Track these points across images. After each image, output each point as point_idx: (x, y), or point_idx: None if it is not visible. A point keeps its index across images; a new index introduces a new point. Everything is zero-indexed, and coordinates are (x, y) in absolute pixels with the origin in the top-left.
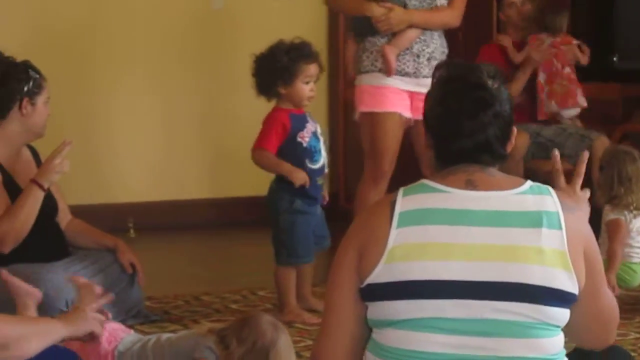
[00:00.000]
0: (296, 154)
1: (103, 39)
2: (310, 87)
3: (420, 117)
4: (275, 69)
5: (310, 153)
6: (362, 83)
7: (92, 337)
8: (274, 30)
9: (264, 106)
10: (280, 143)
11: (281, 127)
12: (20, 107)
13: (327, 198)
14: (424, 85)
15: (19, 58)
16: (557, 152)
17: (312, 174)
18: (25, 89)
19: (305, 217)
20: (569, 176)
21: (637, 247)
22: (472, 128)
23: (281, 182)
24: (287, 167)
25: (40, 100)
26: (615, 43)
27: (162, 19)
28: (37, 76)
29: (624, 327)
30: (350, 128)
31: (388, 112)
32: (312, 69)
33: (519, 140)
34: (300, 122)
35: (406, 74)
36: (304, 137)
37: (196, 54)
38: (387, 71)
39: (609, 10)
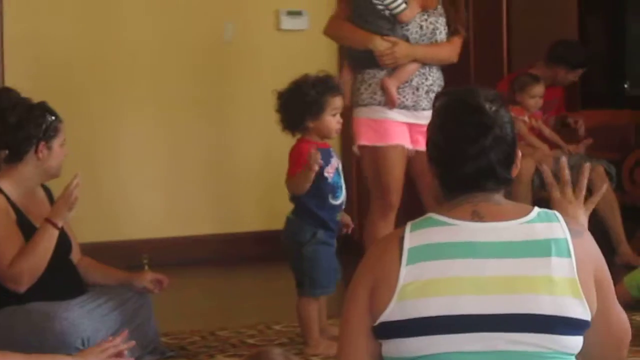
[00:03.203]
0: (321, 189)
1: (112, 74)
2: (337, 119)
3: (419, 148)
4: (303, 103)
5: (334, 189)
6: (360, 116)
7: None
8: (284, 63)
9: (273, 140)
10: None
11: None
12: (36, 151)
13: (351, 225)
14: (422, 118)
15: (27, 94)
16: (546, 168)
17: (333, 209)
18: (42, 132)
19: (327, 248)
20: None
21: None
22: (473, 153)
23: (300, 213)
24: (307, 168)
25: (56, 143)
26: (626, 70)
27: (170, 53)
28: (54, 119)
29: (637, 354)
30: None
31: (391, 145)
32: (338, 101)
33: (524, 164)
34: (326, 157)
35: (405, 107)
36: (330, 173)
37: (205, 88)
38: (390, 104)
39: (620, 38)
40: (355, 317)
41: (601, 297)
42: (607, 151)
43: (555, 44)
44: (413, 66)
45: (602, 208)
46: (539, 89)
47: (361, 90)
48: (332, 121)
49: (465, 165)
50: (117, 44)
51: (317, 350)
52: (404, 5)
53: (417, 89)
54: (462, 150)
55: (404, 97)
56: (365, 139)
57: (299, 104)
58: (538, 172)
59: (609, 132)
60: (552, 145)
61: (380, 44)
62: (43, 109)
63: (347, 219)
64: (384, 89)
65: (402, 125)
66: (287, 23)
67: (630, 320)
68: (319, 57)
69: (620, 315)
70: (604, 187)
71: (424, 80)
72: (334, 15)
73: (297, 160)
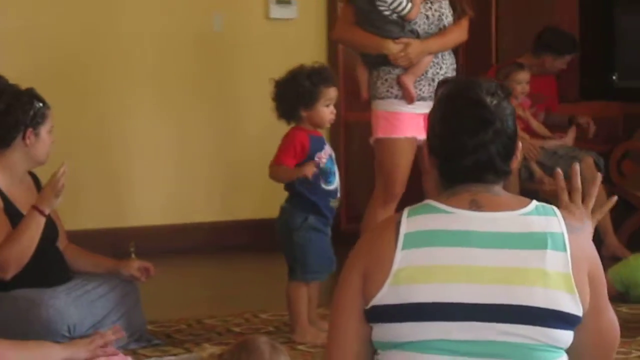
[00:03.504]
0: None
1: (105, 66)
2: (330, 109)
3: None
4: (297, 93)
5: (326, 174)
6: (378, 108)
7: None
8: (274, 52)
9: (265, 129)
10: (298, 162)
11: (300, 146)
12: (24, 137)
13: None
14: None
15: (29, 84)
16: (560, 170)
17: (325, 195)
18: (29, 119)
19: (318, 235)
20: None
21: None
22: (473, 146)
23: (294, 200)
24: (295, 171)
25: (44, 129)
26: (615, 62)
27: (168, 43)
28: (41, 105)
29: (627, 345)
30: (351, 151)
31: (403, 137)
32: (332, 92)
33: None
34: (318, 144)
35: (422, 99)
36: (322, 158)
37: (196, 79)
38: (408, 100)
39: (609, 30)
40: (348, 299)
41: (594, 296)
42: (595, 143)
43: (541, 31)
44: (427, 59)
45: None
46: (523, 75)
47: (378, 84)
48: (326, 111)
49: (465, 158)
50: (111, 36)
51: (304, 338)
52: (409, 5)
53: (433, 80)
54: (461, 143)
55: (420, 89)
56: (380, 131)
57: (294, 93)
58: (525, 163)
59: (597, 124)
60: (539, 137)
61: (393, 48)
62: (31, 95)
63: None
64: (401, 86)
65: (418, 117)
66: (277, 12)
67: (616, 311)
68: (309, 46)
69: (612, 319)
70: (575, 168)
71: (438, 70)
72: (341, 20)
73: (288, 147)
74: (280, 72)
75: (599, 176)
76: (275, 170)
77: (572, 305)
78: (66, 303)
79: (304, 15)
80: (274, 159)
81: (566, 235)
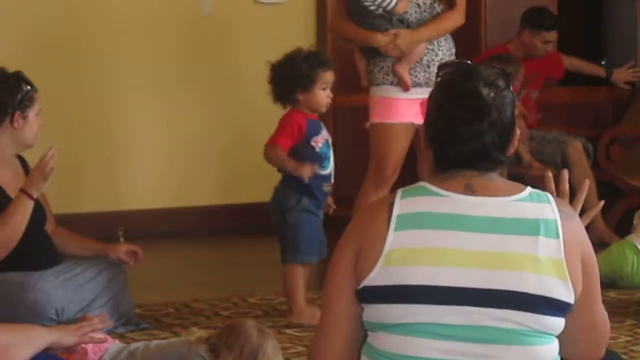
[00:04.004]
0: (307, 157)
1: (94, 47)
2: (327, 93)
3: None
4: (294, 76)
5: (321, 158)
6: (374, 94)
7: (76, 347)
8: (262, 36)
9: (264, 110)
10: (294, 143)
11: (297, 127)
12: (12, 120)
13: (333, 205)
14: None
15: (17, 67)
16: (566, 172)
17: (319, 179)
18: (17, 102)
19: (311, 217)
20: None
21: None
22: (468, 135)
23: (287, 182)
24: (292, 164)
25: (31, 112)
26: (603, 47)
27: (156, 26)
28: (29, 88)
29: (615, 330)
30: (340, 135)
31: (399, 123)
32: (329, 75)
33: None
34: (315, 128)
35: (417, 85)
36: (317, 142)
37: (192, 61)
38: (404, 88)
39: (597, 14)
40: (339, 278)
41: (587, 283)
42: (583, 128)
43: (525, 10)
44: (421, 47)
45: (578, 185)
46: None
47: (374, 71)
48: (322, 95)
49: (460, 146)
50: (98, 19)
51: (300, 319)
52: (395, 0)
53: (429, 66)
54: (457, 132)
55: (416, 76)
56: (376, 117)
57: (290, 76)
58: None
59: (585, 109)
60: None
61: (382, 40)
62: (18, 78)
63: (329, 200)
64: (396, 75)
65: (414, 103)
66: None
67: (605, 296)
68: (298, 30)
69: (603, 312)
70: (586, 184)
71: (434, 57)
72: (333, 12)
73: (285, 127)
74: (268, 56)
75: (587, 182)
76: (271, 151)
77: (564, 292)
78: (54, 286)
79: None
80: (270, 139)
81: (559, 222)
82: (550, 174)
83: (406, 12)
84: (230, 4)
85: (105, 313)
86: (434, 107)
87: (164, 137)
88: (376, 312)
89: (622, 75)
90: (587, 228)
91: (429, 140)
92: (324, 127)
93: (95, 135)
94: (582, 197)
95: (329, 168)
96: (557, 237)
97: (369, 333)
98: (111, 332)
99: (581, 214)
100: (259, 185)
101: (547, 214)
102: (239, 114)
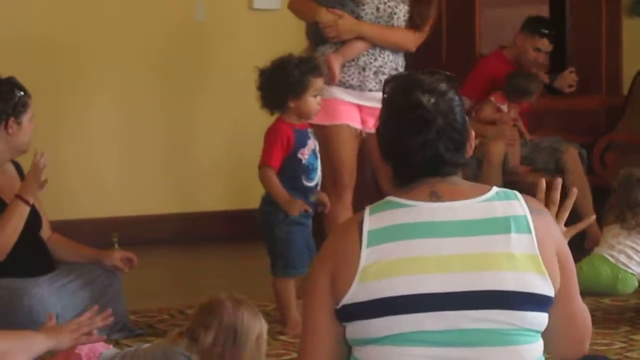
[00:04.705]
0: (294, 169)
1: (87, 54)
2: (318, 100)
3: (369, 130)
4: (286, 83)
5: (308, 170)
6: None
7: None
8: (257, 43)
9: (244, 119)
10: (284, 156)
11: (286, 141)
12: (6, 127)
13: (328, 203)
14: (371, 99)
15: (13, 71)
16: (560, 180)
17: (306, 190)
18: (11, 108)
19: (300, 228)
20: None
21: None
22: (418, 145)
23: None
24: (284, 197)
25: (25, 118)
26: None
27: (149, 32)
28: (22, 94)
29: (609, 336)
30: None
31: (338, 124)
32: (320, 82)
33: (494, 147)
34: (302, 139)
35: (350, 87)
36: (304, 154)
37: (177, 69)
38: (330, 80)
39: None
40: (317, 301)
41: (564, 280)
42: (578, 135)
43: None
44: (360, 44)
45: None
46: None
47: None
48: (314, 102)
49: (413, 157)
50: (91, 26)
51: (295, 330)
52: None
53: (364, 69)
54: (406, 144)
55: (349, 76)
56: (317, 118)
57: (282, 83)
58: (505, 155)
59: (579, 116)
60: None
61: (325, 15)
62: (11, 84)
63: (324, 197)
64: (326, 64)
65: (351, 105)
66: (260, 2)
67: (600, 302)
68: (291, 37)
69: (583, 305)
70: (573, 192)
71: (372, 61)
72: None
73: (275, 143)
74: (263, 62)
75: (575, 191)
76: (265, 173)
77: (543, 286)
78: (49, 292)
79: (286, 6)
80: (262, 159)
81: (529, 217)
82: (543, 183)
83: (363, 8)
84: (224, 10)
85: (109, 310)
86: (382, 124)
87: (159, 142)
88: (359, 328)
89: (564, 80)
90: (583, 235)
91: (384, 156)
92: (311, 135)
93: (89, 141)
94: (569, 204)
95: (316, 179)
96: (529, 231)
97: (354, 348)
98: (106, 339)
99: (571, 222)
100: (253, 191)
101: (516, 210)
102: (233, 120)
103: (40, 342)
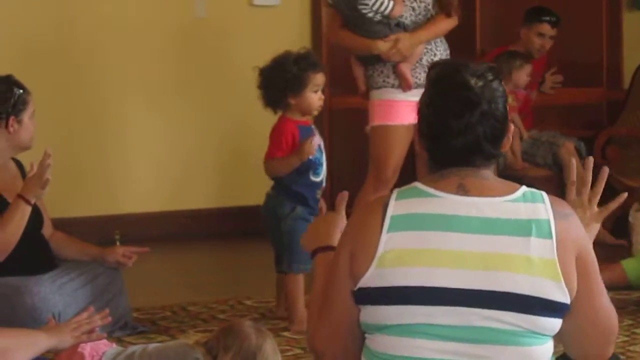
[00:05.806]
0: (301, 165)
1: (87, 50)
2: (318, 95)
3: None
4: (284, 79)
5: (315, 166)
6: (374, 98)
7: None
8: (258, 39)
9: (257, 114)
10: (289, 154)
11: (291, 138)
12: (7, 126)
13: (324, 209)
14: None
15: (11, 71)
16: (591, 159)
17: (313, 186)
18: (11, 107)
19: (306, 224)
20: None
21: None
22: (459, 128)
23: (280, 189)
24: (294, 156)
25: (26, 115)
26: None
27: (150, 29)
28: (22, 92)
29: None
30: (336, 138)
31: (399, 124)
32: (320, 77)
33: None
34: (307, 135)
35: (419, 86)
36: None
37: (177, 65)
38: (406, 88)
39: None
40: (337, 280)
41: (584, 280)
42: (579, 129)
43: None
44: (420, 47)
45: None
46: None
47: (374, 76)
48: (314, 97)
49: (452, 140)
50: (92, 22)
51: (302, 327)
52: (391, 4)
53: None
54: (447, 125)
55: (416, 77)
56: (376, 119)
57: (281, 80)
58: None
59: (580, 110)
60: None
61: (383, 47)
62: (10, 82)
63: (321, 203)
64: (399, 75)
65: (414, 105)
66: None
67: (621, 295)
68: (292, 32)
69: (607, 306)
70: (623, 196)
71: (432, 57)
72: (330, 23)
73: (278, 140)
74: (264, 59)
75: (606, 170)
76: (271, 164)
77: (558, 293)
78: (51, 290)
79: (287, 2)
80: (266, 155)
81: (553, 222)
82: (574, 162)
83: (402, 16)
84: (224, 7)
85: (107, 310)
86: (425, 104)
87: (160, 139)
88: (372, 313)
89: (546, 84)
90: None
91: (422, 137)
92: (316, 132)
93: (91, 139)
94: (601, 186)
95: (322, 174)
96: (550, 237)
97: (366, 335)
98: (108, 336)
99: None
100: (254, 188)
101: (540, 214)
102: (233, 117)
103: (42, 340)
